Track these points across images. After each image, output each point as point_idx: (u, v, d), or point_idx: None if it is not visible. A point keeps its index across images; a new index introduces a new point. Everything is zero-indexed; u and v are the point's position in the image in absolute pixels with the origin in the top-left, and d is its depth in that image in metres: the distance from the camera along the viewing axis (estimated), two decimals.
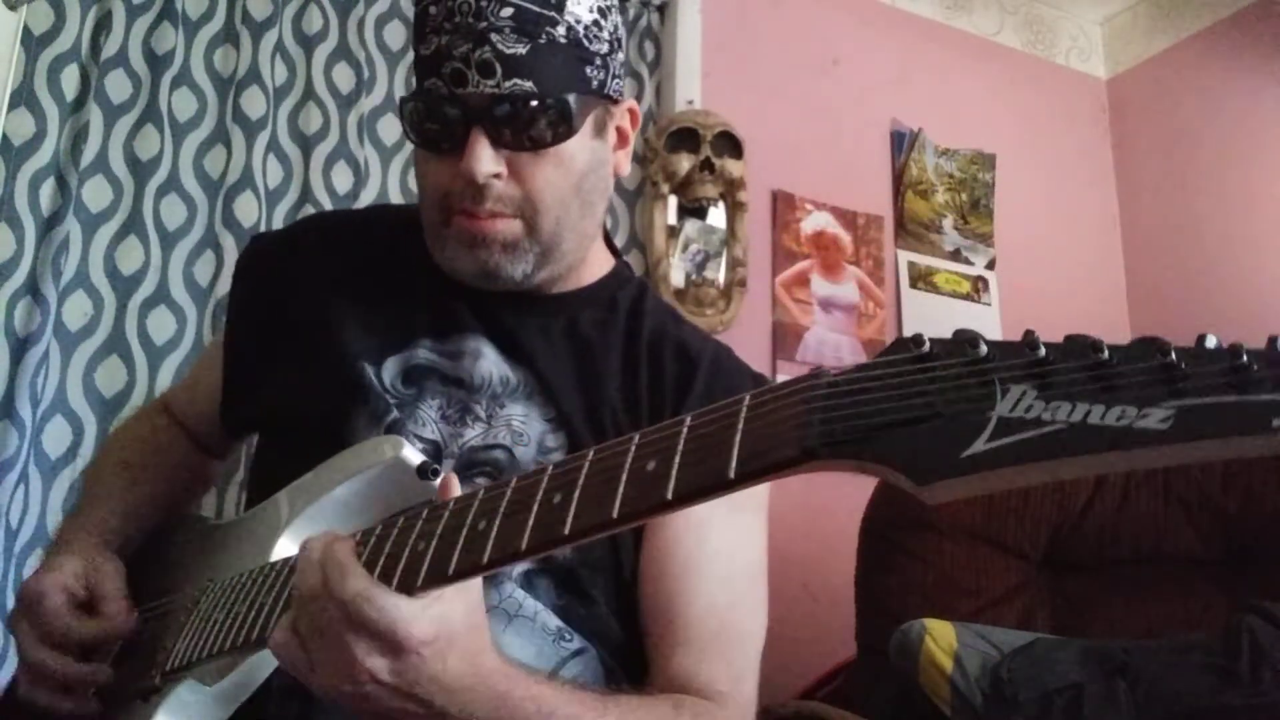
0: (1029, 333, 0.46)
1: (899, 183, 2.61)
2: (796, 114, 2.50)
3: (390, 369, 0.94)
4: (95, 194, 1.82)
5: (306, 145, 2.00)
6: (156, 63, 1.89)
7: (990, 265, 2.67)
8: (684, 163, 2.24)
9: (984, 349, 0.46)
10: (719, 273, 2.27)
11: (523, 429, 0.92)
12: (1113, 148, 2.93)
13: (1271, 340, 0.41)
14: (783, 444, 0.50)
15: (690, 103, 2.34)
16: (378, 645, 0.63)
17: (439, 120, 0.89)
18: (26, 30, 1.81)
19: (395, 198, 2.04)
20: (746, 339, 2.25)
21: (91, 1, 1.88)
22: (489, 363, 0.94)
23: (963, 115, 2.73)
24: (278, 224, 1.94)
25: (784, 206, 2.43)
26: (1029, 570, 1.76)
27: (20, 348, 1.68)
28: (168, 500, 1.07)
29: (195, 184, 1.90)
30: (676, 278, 2.23)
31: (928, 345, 0.48)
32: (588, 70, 0.90)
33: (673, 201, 2.27)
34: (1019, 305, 2.65)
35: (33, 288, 1.71)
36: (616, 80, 0.95)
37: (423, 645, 0.63)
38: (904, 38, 2.72)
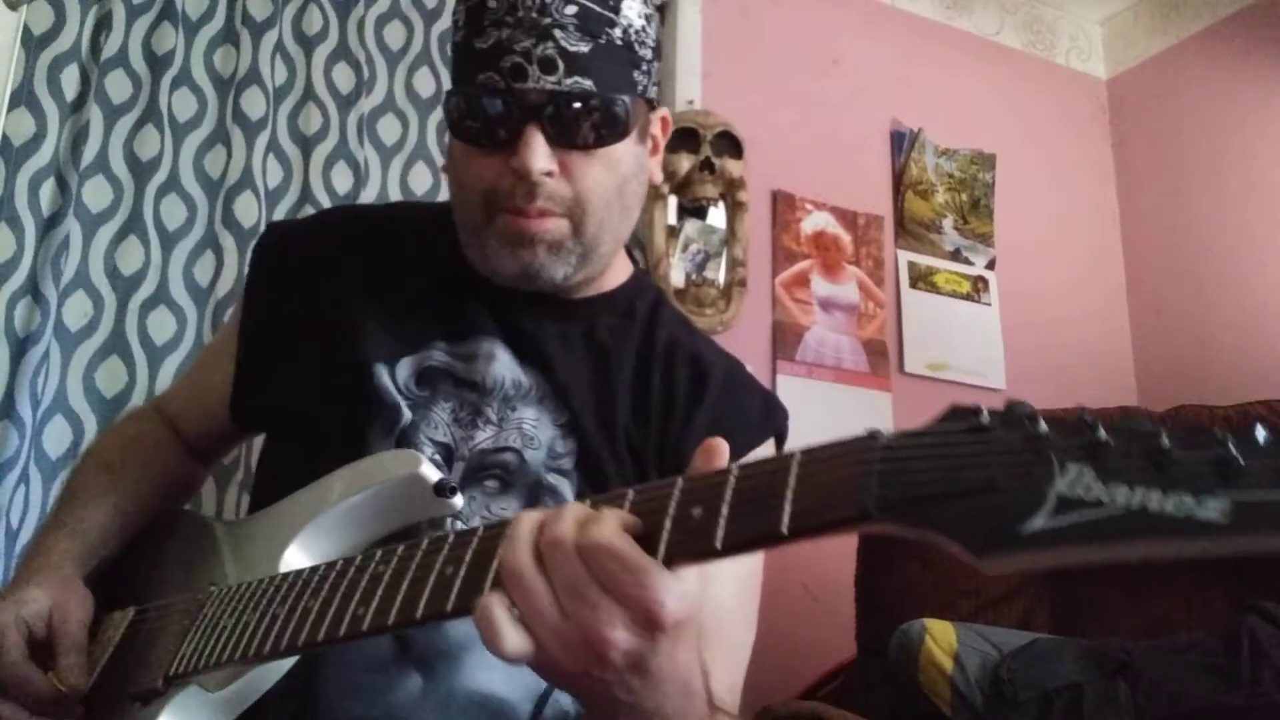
0: (1085, 409, 0.46)
1: (899, 183, 2.61)
2: (796, 114, 2.50)
3: (404, 370, 0.93)
4: (95, 194, 1.82)
5: (306, 145, 2.00)
6: (156, 63, 1.89)
7: (990, 265, 2.67)
8: (684, 163, 2.24)
9: (1044, 426, 0.47)
10: (719, 273, 2.28)
11: (533, 432, 0.91)
12: (1113, 147, 2.93)
13: None
14: (838, 504, 0.51)
15: (690, 103, 2.34)
16: (629, 617, 0.55)
17: (491, 114, 0.87)
18: (26, 30, 1.81)
19: (395, 198, 2.04)
20: (746, 339, 2.25)
21: (92, 1, 1.88)
22: (502, 365, 0.93)
23: (963, 115, 2.73)
24: None
25: (784, 206, 2.43)
26: None
27: (20, 348, 1.68)
28: (153, 505, 1.05)
29: (195, 184, 1.90)
30: (676, 278, 2.23)
31: (985, 417, 0.48)
32: (636, 74, 0.90)
33: (673, 201, 2.27)
34: (1019, 305, 2.65)
35: (33, 288, 1.71)
36: (655, 87, 0.95)
37: (678, 626, 0.57)
38: (904, 38, 2.72)
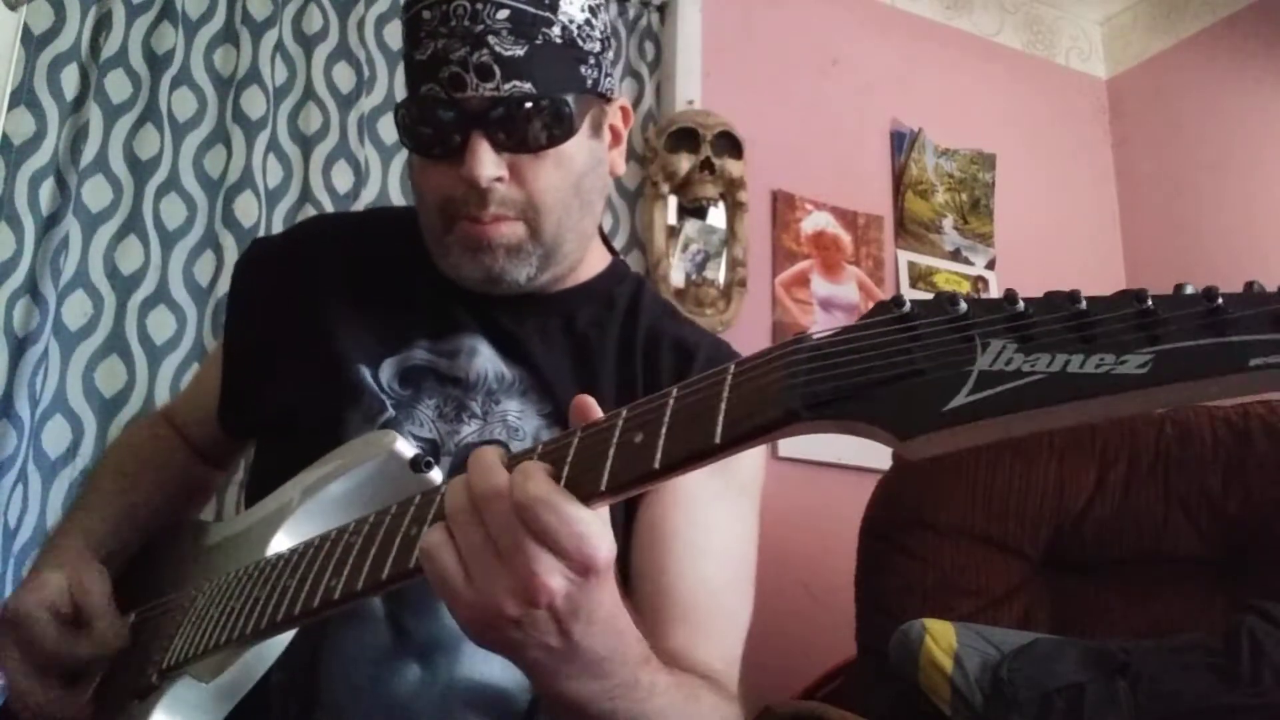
0: (1010, 291, 0.46)
1: (899, 183, 2.61)
2: (796, 114, 2.50)
3: (387, 370, 0.94)
4: (95, 193, 1.82)
5: (306, 145, 2.00)
6: (156, 62, 1.89)
7: (990, 265, 2.67)
8: (684, 163, 2.24)
9: (963, 306, 0.47)
10: (719, 273, 2.27)
11: (518, 424, 0.92)
12: (1113, 148, 2.93)
13: (1248, 285, 0.42)
14: (766, 408, 0.51)
15: (690, 103, 2.34)
16: (566, 563, 0.57)
17: (437, 125, 0.88)
18: (26, 29, 1.81)
19: (395, 197, 2.05)
20: (746, 339, 2.25)
21: (91, 1, 1.88)
22: (484, 360, 0.94)
23: (963, 115, 2.73)
24: (278, 224, 1.94)
25: (784, 206, 2.43)
26: (1029, 570, 1.76)
27: (19, 347, 1.68)
28: (164, 507, 1.07)
29: (195, 184, 1.90)
30: (676, 278, 2.23)
31: (908, 306, 0.48)
32: (583, 69, 0.90)
33: (673, 201, 2.27)
34: None
35: (32, 287, 1.71)
36: (609, 78, 0.95)
37: (608, 567, 0.59)
38: (904, 38, 2.72)
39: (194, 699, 0.79)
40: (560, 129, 0.88)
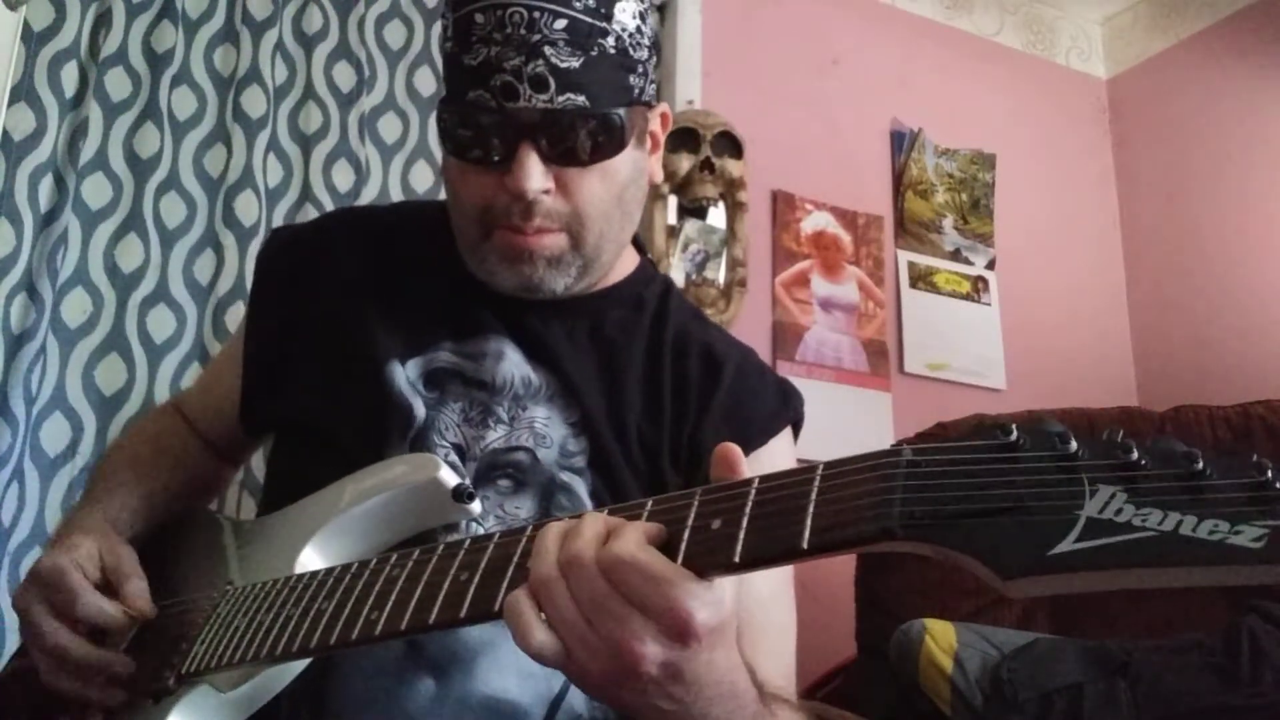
0: (1115, 431, 0.45)
1: (899, 183, 2.61)
2: (796, 114, 2.50)
3: (412, 371, 0.92)
4: (94, 191, 1.82)
5: (306, 144, 2.00)
6: (156, 61, 1.89)
7: (990, 265, 2.67)
8: (684, 163, 2.24)
9: (1074, 445, 0.45)
10: (719, 273, 2.27)
11: (545, 431, 0.90)
12: (1113, 148, 2.93)
13: None
14: (860, 520, 0.50)
15: (690, 103, 2.34)
16: (658, 627, 0.55)
17: (484, 133, 0.86)
18: (27, 27, 1.81)
19: (396, 196, 2.04)
20: (746, 339, 2.21)
21: None
22: (511, 364, 0.93)
23: (963, 115, 2.73)
24: (278, 223, 1.94)
25: (784, 206, 2.43)
26: None
27: (15, 344, 1.68)
28: (177, 499, 1.05)
29: (195, 183, 1.90)
30: (676, 278, 2.23)
31: (1015, 435, 0.47)
32: (632, 79, 0.88)
33: (673, 201, 2.27)
34: (1019, 305, 2.65)
35: (29, 284, 1.71)
36: (653, 85, 0.93)
37: (710, 631, 0.56)
38: (904, 38, 2.72)
39: (209, 708, 0.77)
40: (610, 142, 0.86)
